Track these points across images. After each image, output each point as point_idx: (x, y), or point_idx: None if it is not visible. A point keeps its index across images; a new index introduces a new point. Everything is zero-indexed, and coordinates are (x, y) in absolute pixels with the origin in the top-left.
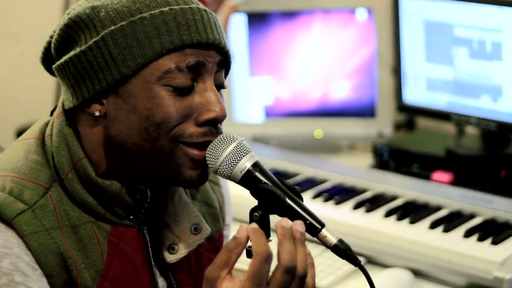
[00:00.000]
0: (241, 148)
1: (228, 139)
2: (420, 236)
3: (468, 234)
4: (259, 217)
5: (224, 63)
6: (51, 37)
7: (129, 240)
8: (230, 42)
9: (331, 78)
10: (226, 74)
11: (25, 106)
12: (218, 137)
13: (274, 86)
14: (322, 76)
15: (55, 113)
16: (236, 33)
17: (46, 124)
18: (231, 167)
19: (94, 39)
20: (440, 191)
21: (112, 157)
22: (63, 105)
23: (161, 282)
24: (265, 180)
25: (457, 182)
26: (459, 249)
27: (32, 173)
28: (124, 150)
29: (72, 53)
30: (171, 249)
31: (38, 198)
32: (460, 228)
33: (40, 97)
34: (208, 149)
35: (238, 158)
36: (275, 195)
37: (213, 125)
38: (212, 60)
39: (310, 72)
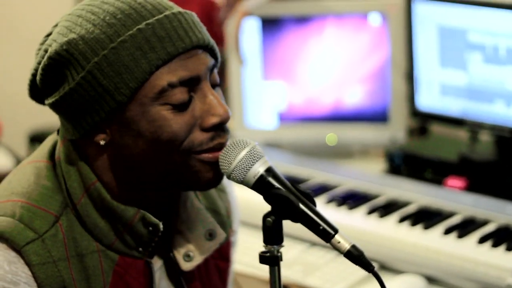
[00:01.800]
0: (255, 153)
1: (242, 144)
2: (433, 242)
3: (482, 240)
4: (272, 222)
5: (213, 56)
6: (33, 75)
7: (135, 272)
8: (243, 47)
9: (344, 83)
10: (217, 65)
11: (37, 109)
12: (231, 142)
13: (287, 91)
14: (335, 81)
15: (59, 137)
16: (249, 38)
17: (55, 145)
18: (244, 172)
19: (81, 75)
20: (453, 197)
21: (124, 179)
22: (65, 134)
23: None
24: (279, 185)
25: (470, 188)
26: (473, 255)
27: (43, 200)
28: (136, 172)
29: (62, 91)
30: (187, 257)
31: (48, 227)
32: (474, 235)
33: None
34: (221, 154)
35: (252, 163)
36: (288, 200)
37: (219, 129)
38: (204, 66)
39: (323, 77)
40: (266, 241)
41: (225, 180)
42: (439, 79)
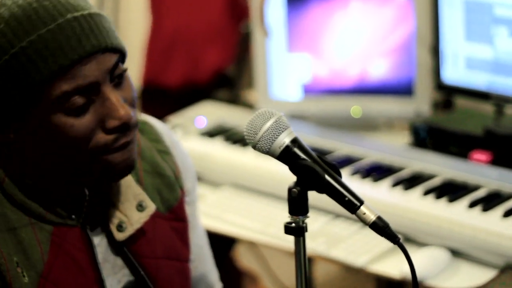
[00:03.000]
0: (280, 123)
1: (267, 114)
2: (458, 215)
3: (507, 214)
4: (298, 193)
5: (116, 52)
6: None
7: (73, 240)
8: (268, 19)
9: (369, 56)
10: (123, 59)
11: None
12: (257, 112)
13: (312, 64)
14: (360, 54)
15: None
16: (274, 10)
17: None
18: (270, 143)
19: None
20: (478, 170)
21: (36, 177)
22: None
23: (118, 260)
24: (304, 156)
25: (495, 161)
26: (498, 229)
27: None
28: (45, 175)
29: None
30: (119, 227)
31: None
32: (499, 208)
33: None
34: (247, 124)
35: (277, 134)
36: (314, 171)
37: (123, 131)
38: (103, 69)
39: (348, 50)
40: (292, 211)
41: (167, 142)
42: (465, 53)
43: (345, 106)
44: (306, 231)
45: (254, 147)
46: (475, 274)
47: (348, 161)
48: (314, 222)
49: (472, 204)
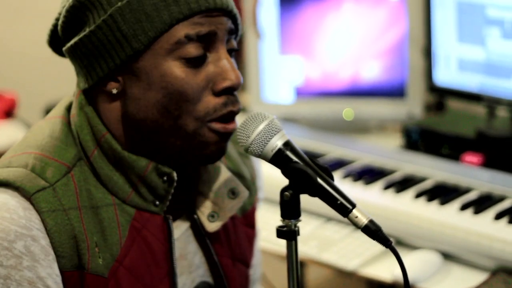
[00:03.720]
0: (273, 126)
1: (260, 117)
2: (450, 218)
3: (498, 216)
4: (290, 196)
5: (234, 27)
6: (57, 19)
7: (153, 228)
8: (260, 21)
9: (362, 58)
10: (236, 37)
11: (53, 82)
12: (250, 115)
13: (304, 66)
14: (352, 56)
15: (74, 93)
16: (266, 12)
17: (71, 103)
18: (262, 145)
19: (102, 18)
20: (470, 172)
21: (132, 133)
22: (79, 85)
23: (199, 253)
24: (296, 159)
25: (487, 164)
26: (489, 231)
27: (56, 151)
28: (143, 126)
29: (81, 34)
30: (211, 217)
31: (60, 177)
32: (490, 211)
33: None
34: (239, 126)
35: (270, 137)
36: (306, 174)
37: (230, 93)
38: (223, 27)
39: (340, 52)
40: (284, 215)
41: None
42: (457, 54)
43: (337, 109)
44: (298, 234)
45: (247, 150)
46: (466, 277)
47: (340, 164)
48: (305, 225)
49: (464, 207)
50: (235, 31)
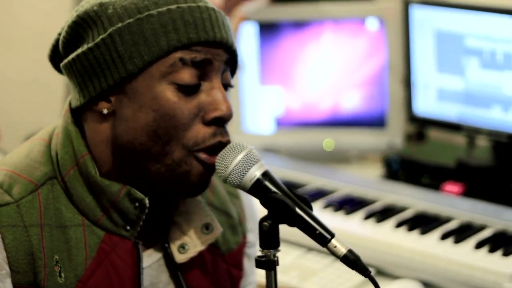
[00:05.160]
0: (251, 156)
1: (238, 148)
2: (430, 247)
3: (479, 245)
4: (269, 226)
5: (231, 62)
6: (59, 34)
7: (122, 252)
8: (240, 51)
9: (342, 88)
10: (233, 73)
11: (35, 114)
12: (228, 146)
13: (284, 96)
14: (332, 86)
15: (62, 111)
16: (246, 42)
17: (55, 128)
18: (241, 176)
19: (101, 36)
20: (450, 202)
21: (116, 156)
22: (70, 104)
23: (171, 285)
24: (275, 190)
25: (468, 193)
26: (470, 260)
27: (26, 169)
28: (130, 150)
29: (79, 50)
30: (181, 248)
31: (25, 194)
32: (471, 240)
33: (49, 101)
34: (218, 157)
35: (248, 167)
36: (284, 204)
37: (220, 124)
38: (220, 58)
39: (320, 82)
40: (263, 245)
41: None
42: (436, 84)
43: (317, 139)
44: (278, 264)
45: (225, 181)
46: None
47: (320, 194)
48: (286, 255)
49: (444, 236)
50: (232, 65)
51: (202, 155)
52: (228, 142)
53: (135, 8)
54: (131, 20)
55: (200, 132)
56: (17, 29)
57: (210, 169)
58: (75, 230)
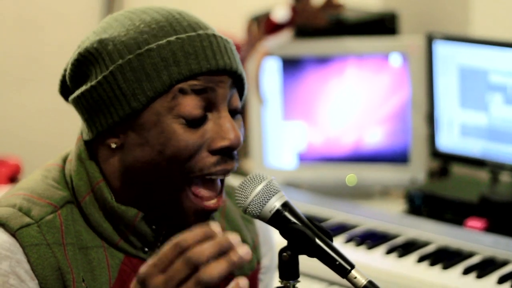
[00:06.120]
0: (271, 187)
1: (258, 179)
2: (452, 282)
3: (501, 280)
4: (288, 257)
5: (238, 85)
6: (65, 70)
7: None
8: (263, 87)
9: (365, 123)
10: (241, 95)
11: (56, 149)
12: (248, 176)
13: (307, 131)
14: (355, 121)
15: (77, 139)
16: (269, 77)
17: (68, 154)
18: (261, 207)
19: (103, 74)
20: (473, 237)
21: (129, 186)
22: (81, 133)
23: None
24: (295, 220)
25: (490, 228)
26: None
27: (45, 193)
28: (139, 181)
29: (84, 87)
30: None
31: (45, 214)
32: (493, 275)
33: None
34: (237, 187)
35: (268, 198)
36: (304, 235)
37: (227, 153)
38: (224, 85)
39: (343, 117)
40: (282, 276)
41: None
42: (460, 120)
43: (340, 174)
44: None
45: (245, 211)
46: None
47: (343, 228)
48: (305, 287)
49: (467, 271)
50: (239, 88)
51: (199, 191)
52: (233, 169)
53: (135, 43)
54: (131, 56)
55: (201, 160)
56: (37, 71)
57: (207, 213)
58: (97, 251)
